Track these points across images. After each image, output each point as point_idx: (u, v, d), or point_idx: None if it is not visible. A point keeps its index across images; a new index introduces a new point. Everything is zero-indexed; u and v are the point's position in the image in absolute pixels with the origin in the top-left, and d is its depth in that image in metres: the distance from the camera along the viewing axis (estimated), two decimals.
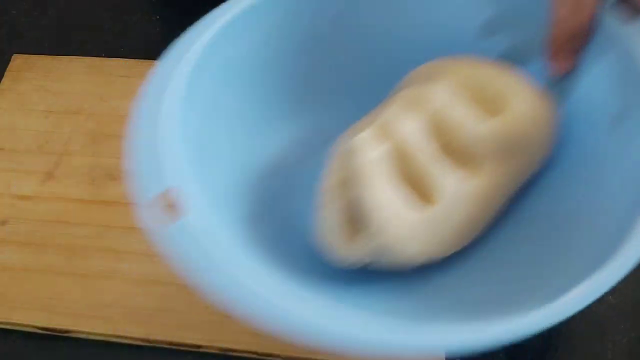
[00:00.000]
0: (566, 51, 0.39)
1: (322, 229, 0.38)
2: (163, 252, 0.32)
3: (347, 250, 0.37)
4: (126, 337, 0.44)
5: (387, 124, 0.38)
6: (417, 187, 0.37)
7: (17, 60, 0.58)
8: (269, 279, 0.34)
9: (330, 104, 0.45)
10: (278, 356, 0.43)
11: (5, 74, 0.57)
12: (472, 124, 0.38)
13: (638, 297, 0.43)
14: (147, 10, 0.62)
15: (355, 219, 0.37)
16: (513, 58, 0.42)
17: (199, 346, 0.44)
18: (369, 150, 0.36)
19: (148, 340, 0.44)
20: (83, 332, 0.45)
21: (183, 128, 0.36)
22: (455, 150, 0.38)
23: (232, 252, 0.34)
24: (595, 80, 0.39)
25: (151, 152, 0.34)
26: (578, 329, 0.43)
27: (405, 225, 0.35)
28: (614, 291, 0.42)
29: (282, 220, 0.41)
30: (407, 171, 0.37)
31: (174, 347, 0.44)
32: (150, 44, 0.58)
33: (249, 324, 0.31)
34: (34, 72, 0.57)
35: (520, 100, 0.39)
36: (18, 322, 0.45)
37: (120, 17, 0.61)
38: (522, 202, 0.40)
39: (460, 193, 0.37)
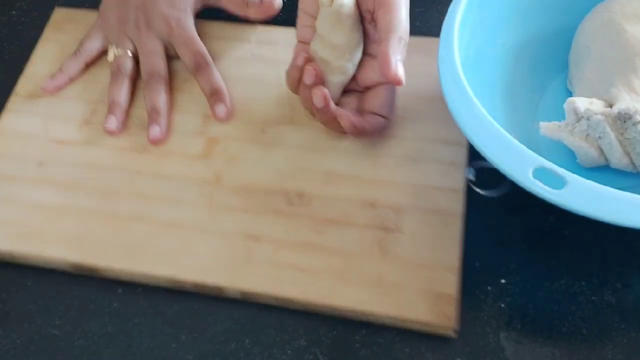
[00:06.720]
0: None
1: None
2: None
3: None
4: (153, 277, 0.46)
5: None
6: None
7: (59, 14, 0.60)
8: None
9: None
10: (297, 301, 0.44)
11: (47, 26, 0.59)
12: None
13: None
14: None
15: None
16: None
17: (221, 288, 0.45)
18: None
19: (173, 281, 0.46)
20: (112, 271, 0.47)
21: None
22: None
23: None
24: None
25: None
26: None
27: None
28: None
29: None
30: None
31: (196, 291, 0.46)
32: None
33: None
34: (74, 25, 0.59)
35: None
36: (50, 257, 0.47)
37: None
38: None
39: None
